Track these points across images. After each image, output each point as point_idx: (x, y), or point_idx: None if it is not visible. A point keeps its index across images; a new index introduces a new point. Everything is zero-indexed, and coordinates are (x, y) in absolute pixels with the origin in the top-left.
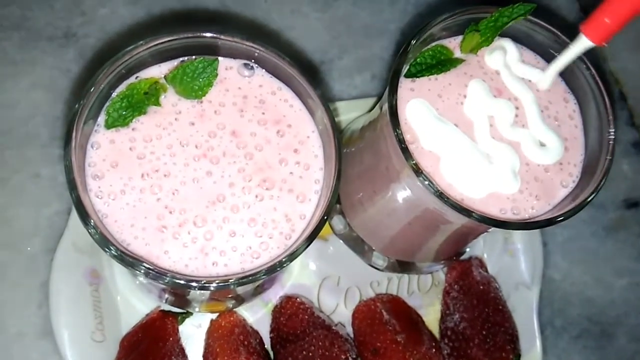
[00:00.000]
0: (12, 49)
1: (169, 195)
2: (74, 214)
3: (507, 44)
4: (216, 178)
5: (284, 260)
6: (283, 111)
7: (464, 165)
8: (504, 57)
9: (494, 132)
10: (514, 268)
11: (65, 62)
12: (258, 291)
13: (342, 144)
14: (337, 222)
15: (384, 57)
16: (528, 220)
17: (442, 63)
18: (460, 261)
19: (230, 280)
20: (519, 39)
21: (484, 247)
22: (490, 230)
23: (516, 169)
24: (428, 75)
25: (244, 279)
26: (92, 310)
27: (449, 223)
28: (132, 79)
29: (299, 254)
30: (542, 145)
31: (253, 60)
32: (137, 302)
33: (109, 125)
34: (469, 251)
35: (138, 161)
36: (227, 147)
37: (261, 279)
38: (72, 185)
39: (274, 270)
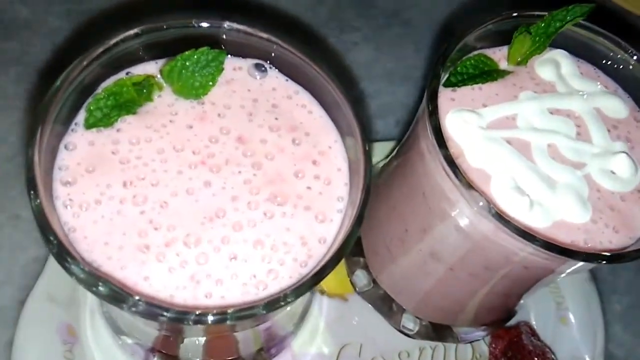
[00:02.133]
0: (6, 83)
1: (155, 208)
2: (51, 259)
3: (561, 56)
4: (216, 190)
5: (288, 294)
6: (300, 117)
7: (521, 187)
8: (558, 70)
9: (553, 152)
10: (569, 339)
11: None
12: (262, 358)
13: (371, 155)
14: (360, 277)
15: (408, 103)
16: (615, 251)
17: (487, 73)
18: (507, 328)
19: (228, 312)
20: (574, 50)
21: (531, 314)
22: (555, 273)
23: (584, 195)
24: (471, 85)
25: (241, 312)
26: None
27: (502, 263)
28: (121, 75)
29: (312, 287)
30: (612, 170)
31: (268, 61)
32: None
33: (88, 125)
34: (514, 317)
35: (120, 166)
36: (231, 155)
37: (259, 314)
38: (31, 186)
39: (275, 304)
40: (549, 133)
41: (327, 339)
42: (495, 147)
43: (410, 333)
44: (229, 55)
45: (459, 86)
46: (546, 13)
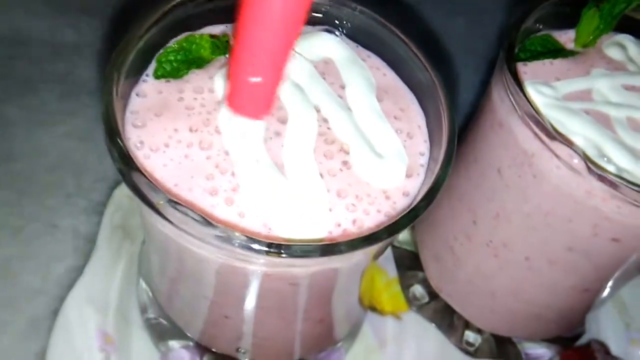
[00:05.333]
0: (51, 100)
1: (220, 154)
2: (92, 261)
3: (627, 40)
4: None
5: (384, 229)
6: (376, 79)
7: (606, 155)
8: (626, 52)
9: (634, 126)
10: None
11: None
12: None
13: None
14: (418, 290)
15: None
16: None
17: (556, 50)
18: (577, 348)
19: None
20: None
21: (598, 336)
22: None
23: None
24: (542, 59)
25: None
26: None
27: (588, 237)
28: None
29: (408, 224)
30: None
31: (340, 28)
32: None
33: (157, 76)
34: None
35: (186, 112)
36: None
37: (382, 239)
38: (108, 119)
39: (374, 238)
40: (627, 107)
41: (380, 359)
42: (574, 117)
43: (471, 349)
44: None
45: (529, 60)
46: None
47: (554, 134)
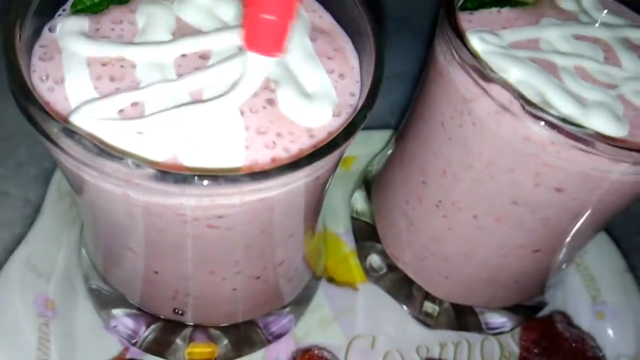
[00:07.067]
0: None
1: (133, 85)
2: (36, 227)
3: None
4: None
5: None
6: (313, 21)
7: (549, 103)
8: (580, 3)
9: (581, 74)
10: (606, 334)
11: None
12: (260, 337)
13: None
14: (375, 261)
15: None
16: None
17: (506, 0)
18: (539, 319)
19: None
20: None
21: (564, 308)
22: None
23: (619, 112)
24: (489, 8)
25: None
26: (35, 350)
27: (531, 189)
28: None
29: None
30: None
31: None
32: (97, 347)
33: (75, 10)
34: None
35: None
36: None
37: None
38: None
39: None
40: (576, 56)
41: (335, 329)
42: (518, 64)
43: (430, 322)
44: None
45: (476, 9)
46: None
47: (491, 77)
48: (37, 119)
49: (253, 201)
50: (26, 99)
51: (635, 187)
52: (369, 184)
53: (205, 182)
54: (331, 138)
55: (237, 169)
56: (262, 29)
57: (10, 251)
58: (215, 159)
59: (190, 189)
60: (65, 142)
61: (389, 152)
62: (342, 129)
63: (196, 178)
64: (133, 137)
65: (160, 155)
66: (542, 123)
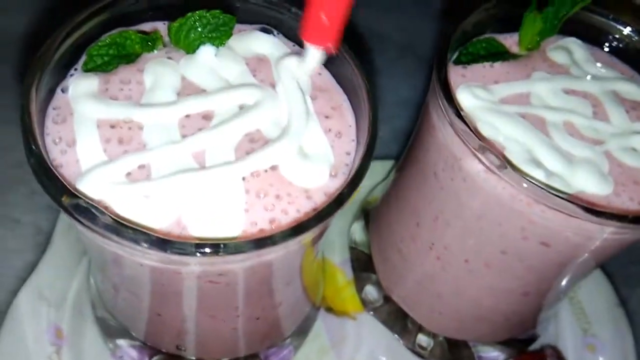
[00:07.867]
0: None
1: (140, 147)
2: (47, 256)
3: (573, 44)
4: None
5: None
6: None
7: (537, 159)
8: (571, 56)
9: (569, 130)
10: None
11: None
12: None
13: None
14: (371, 292)
15: None
16: None
17: (499, 54)
18: (530, 352)
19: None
20: (587, 37)
21: (556, 340)
22: (576, 257)
23: (604, 169)
24: (482, 63)
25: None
26: None
27: (519, 241)
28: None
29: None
30: (634, 148)
31: (277, 28)
32: None
33: (87, 69)
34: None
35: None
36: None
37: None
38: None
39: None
40: (565, 111)
41: (332, 359)
42: (508, 120)
43: (425, 353)
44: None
45: (469, 64)
46: None
47: (476, 138)
48: (51, 192)
49: (254, 262)
50: (41, 172)
51: (621, 243)
52: (368, 215)
53: (208, 250)
54: (330, 200)
55: (238, 239)
56: (319, 26)
57: (22, 279)
58: (216, 221)
59: (194, 260)
60: (76, 214)
61: (389, 183)
62: (341, 189)
63: (198, 253)
64: (140, 200)
65: (165, 217)
66: (525, 185)
